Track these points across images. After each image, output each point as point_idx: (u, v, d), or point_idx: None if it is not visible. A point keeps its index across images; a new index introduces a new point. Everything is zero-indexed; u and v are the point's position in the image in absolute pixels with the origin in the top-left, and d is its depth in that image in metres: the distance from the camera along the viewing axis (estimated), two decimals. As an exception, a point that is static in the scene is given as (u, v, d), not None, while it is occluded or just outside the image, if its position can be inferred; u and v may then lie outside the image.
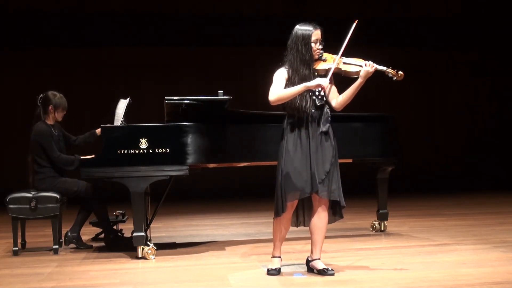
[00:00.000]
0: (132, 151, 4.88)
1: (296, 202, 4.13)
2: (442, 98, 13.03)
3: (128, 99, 5.56)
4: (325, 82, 4.00)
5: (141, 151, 4.88)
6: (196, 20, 12.01)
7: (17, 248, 5.27)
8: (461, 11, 12.83)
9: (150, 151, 4.88)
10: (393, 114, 6.15)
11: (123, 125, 5.21)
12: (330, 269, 4.08)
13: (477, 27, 12.87)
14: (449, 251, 4.89)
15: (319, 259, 4.15)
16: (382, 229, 6.11)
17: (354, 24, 4.08)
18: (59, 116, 5.57)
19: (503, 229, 6.08)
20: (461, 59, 12.96)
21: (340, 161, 5.73)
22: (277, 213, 4.10)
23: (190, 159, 4.94)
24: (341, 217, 4.21)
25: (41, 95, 5.54)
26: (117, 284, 4.08)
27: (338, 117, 5.74)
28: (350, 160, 5.83)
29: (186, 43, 11.98)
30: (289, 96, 4.04)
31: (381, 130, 5.82)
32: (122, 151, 4.87)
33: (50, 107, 5.51)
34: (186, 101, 5.02)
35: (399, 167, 6.03)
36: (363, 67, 4.06)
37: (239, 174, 9.10)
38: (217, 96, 5.09)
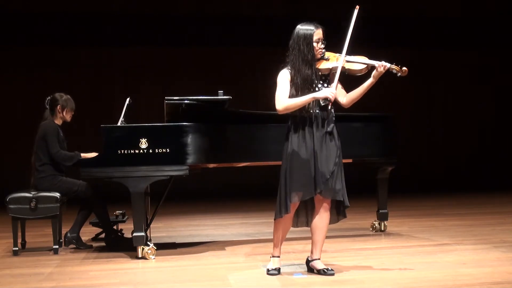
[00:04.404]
0: (132, 151, 4.87)
1: (298, 202, 4.11)
2: (442, 98, 13.03)
3: (128, 99, 5.57)
4: (332, 94, 3.97)
5: (141, 151, 4.88)
6: (196, 20, 12.00)
7: (17, 248, 5.27)
8: (462, 11, 12.83)
9: (150, 151, 4.88)
10: (393, 114, 6.14)
11: (123, 125, 5.22)
12: (330, 269, 4.07)
13: (477, 27, 12.86)
14: (449, 251, 4.88)
15: (319, 259, 4.14)
16: (382, 229, 6.10)
17: (356, 11, 4.01)
18: (68, 116, 5.62)
19: (503, 229, 6.08)
20: (461, 59, 12.96)
21: (340, 161, 5.79)
22: (279, 214, 4.06)
23: (190, 159, 4.94)
24: (344, 216, 4.23)
25: (49, 97, 5.60)
26: (117, 284, 4.08)
27: (338, 117, 5.75)
28: (350, 160, 5.82)
29: (186, 43, 11.98)
30: (297, 106, 4.00)
31: (381, 130, 5.82)
32: (122, 151, 4.87)
33: (58, 107, 5.56)
34: (186, 101, 5.02)
35: (399, 167, 6.03)
36: (377, 68, 4.00)
37: (239, 174, 9.09)
38: (217, 96, 5.09)
